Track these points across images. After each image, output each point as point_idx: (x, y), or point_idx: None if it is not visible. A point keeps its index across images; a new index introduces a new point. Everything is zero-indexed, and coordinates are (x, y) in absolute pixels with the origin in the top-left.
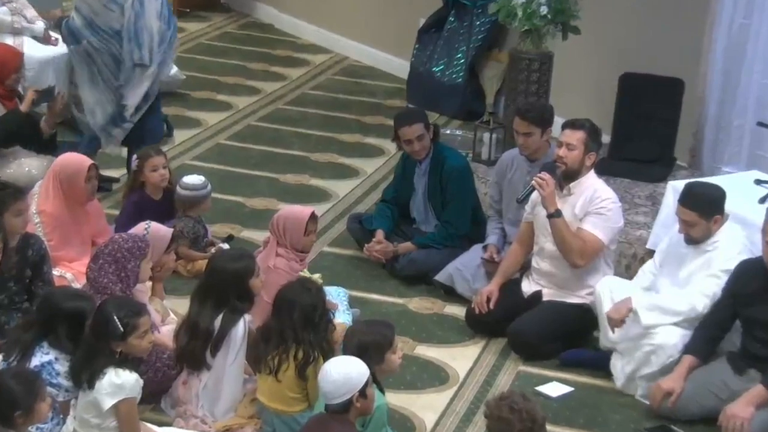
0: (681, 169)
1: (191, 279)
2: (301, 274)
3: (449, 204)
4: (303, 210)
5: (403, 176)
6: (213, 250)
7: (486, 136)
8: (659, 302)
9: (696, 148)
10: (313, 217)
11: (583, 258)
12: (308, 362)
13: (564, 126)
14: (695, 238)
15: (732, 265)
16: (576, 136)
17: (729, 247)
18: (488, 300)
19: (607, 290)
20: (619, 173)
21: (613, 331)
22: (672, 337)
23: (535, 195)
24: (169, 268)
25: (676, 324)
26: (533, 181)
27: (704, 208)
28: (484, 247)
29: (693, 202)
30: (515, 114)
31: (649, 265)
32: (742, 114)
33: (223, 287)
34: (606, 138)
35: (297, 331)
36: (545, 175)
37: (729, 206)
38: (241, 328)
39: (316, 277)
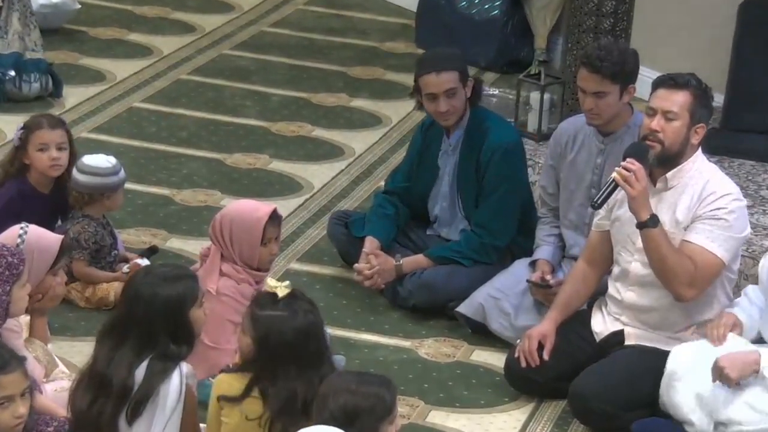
0: None
1: (92, 311)
2: (269, 287)
3: (487, 199)
4: (259, 208)
5: (422, 154)
6: (126, 268)
7: (535, 96)
8: None
9: None
10: (273, 218)
11: (693, 287)
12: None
13: (657, 84)
14: None
15: None
16: (677, 100)
17: None
18: (540, 346)
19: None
20: (737, 152)
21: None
22: None
23: (616, 192)
24: (57, 295)
25: None
26: (614, 174)
27: None
28: (532, 264)
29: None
30: (581, 64)
31: (754, 293)
32: None
33: (148, 323)
34: (718, 101)
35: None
36: (634, 164)
37: None
38: (175, 384)
39: (285, 285)
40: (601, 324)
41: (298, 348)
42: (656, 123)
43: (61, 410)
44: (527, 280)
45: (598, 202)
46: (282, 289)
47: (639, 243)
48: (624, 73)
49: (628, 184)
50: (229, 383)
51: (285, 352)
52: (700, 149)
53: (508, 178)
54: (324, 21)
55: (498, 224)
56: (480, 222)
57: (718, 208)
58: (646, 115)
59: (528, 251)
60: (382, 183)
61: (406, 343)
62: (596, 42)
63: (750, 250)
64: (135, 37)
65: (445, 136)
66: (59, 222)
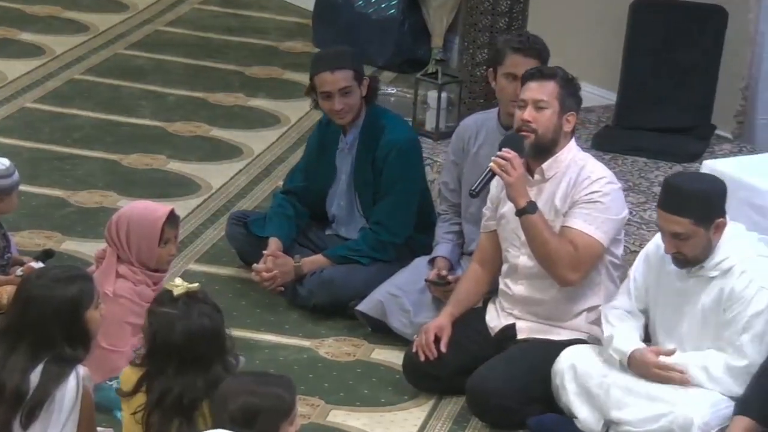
0: (723, 142)
1: None
2: (169, 285)
3: (384, 197)
4: (157, 208)
5: (319, 153)
6: (20, 271)
7: (432, 95)
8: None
9: (746, 111)
10: (171, 218)
11: (576, 270)
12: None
13: (526, 78)
14: (690, 259)
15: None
16: (545, 90)
17: (758, 266)
18: (437, 340)
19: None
20: (629, 149)
21: None
22: (701, 409)
23: (496, 187)
24: None
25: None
26: (491, 163)
27: (700, 210)
28: (431, 262)
29: (683, 204)
30: (510, 50)
31: (623, 300)
32: None
33: (43, 326)
34: (610, 97)
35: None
36: (509, 153)
37: None
38: (71, 387)
39: (192, 286)
40: (495, 318)
41: (184, 349)
42: (528, 113)
43: None
44: (425, 280)
45: (476, 190)
46: (179, 288)
47: (524, 237)
48: (547, 55)
49: (505, 172)
50: (128, 377)
51: (171, 351)
52: (573, 140)
53: (404, 175)
54: (221, 20)
55: (395, 221)
56: (378, 219)
57: (593, 192)
58: (518, 108)
59: (428, 248)
60: (281, 183)
61: (306, 343)
62: (509, 36)
63: (641, 245)
64: (26, 36)
65: (342, 134)
66: None
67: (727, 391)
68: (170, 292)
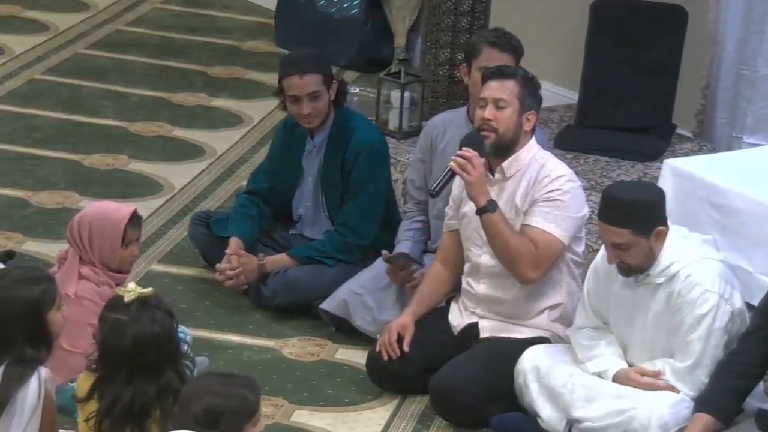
0: (684, 141)
1: None
2: (121, 290)
3: (353, 199)
4: (119, 209)
5: (285, 153)
6: None
7: (395, 95)
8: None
9: (706, 109)
10: (134, 219)
11: (536, 268)
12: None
13: (486, 77)
14: (634, 268)
15: (713, 299)
16: (506, 89)
17: (702, 269)
18: (400, 339)
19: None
20: (591, 149)
21: None
22: (660, 408)
23: (458, 187)
24: None
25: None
26: (451, 162)
27: (640, 220)
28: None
29: (622, 216)
30: (486, 44)
31: (583, 319)
32: None
33: (4, 327)
34: (571, 97)
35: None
36: (469, 152)
37: (753, 194)
38: (33, 389)
39: (145, 291)
40: (458, 317)
41: (133, 355)
42: (488, 112)
43: None
44: (383, 258)
45: (436, 189)
46: (131, 294)
47: (483, 231)
48: (521, 50)
49: (465, 171)
50: (82, 383)
51: (121, 358)
52: (534, 138)
53: (374, 177)
54: (183, 20)
55: (363, 224)
56: (344, 221)
57: (553, 190)
58: (479, 107)
59: (391, 248)
60: (244, 183)
61: (270, 343)
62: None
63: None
64: None
65: (309, 137)
66: None
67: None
68: (122, 297)
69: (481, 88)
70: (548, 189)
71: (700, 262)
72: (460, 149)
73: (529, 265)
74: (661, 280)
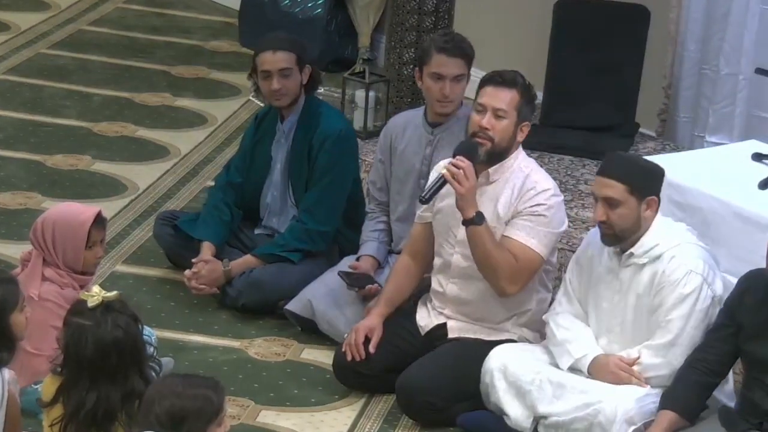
0: (646, 140)
1: None
2: (85, 294)
3: (316, 185)
4: (83, 210)
5: (255, 145)
6: None
7: (360, 94)
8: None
9: (669, 109)
10: (98, 220)
11: (515, 282)
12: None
13: (485, 82)
14: (617, 233)
15: (697, 280)
16: (506, 98)
17: (687, 252)
18: (366, 340)
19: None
20: (555, 148)
21: None
22: (626, 403)
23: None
24: None
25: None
26: (444, 170)
27: (637, 179)
28: (358, 261)
29: (621, 170)
30: (436, 50)
31: (565, 305)
32: (734, 58)
33: None
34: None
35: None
36: (463, 161)
37: (716, 193)
38: None
39: (110, 294)
40: (426, 318)
41: (96, 361)
42: (487, 121)
43: None
44: (339, 273)
45: (427, 197)
46: (95, 299)
47: (460, 235)
48: (472, 56)
49: (457, 182)
50: (47, 387)
51: (84, 363)
52: (521, 146)
53: (338, 164)
54: (145, 19)
55: (323, 210)
56: (306, 207)
57: (537, 204)
58: (476, 112)
59: (356, 246)
60: (209, 183)
61: (235, 344)
62: (435, 35)
63: (570, 243)
64: None
65: (279, 122)
66: None
67: (657, 375)
68: (85, 302)
69: (479, 92)
70: (533, 203)
71: (684, 245)
72: (454, 157)
73: (508, 280)
74: (645, 260)
